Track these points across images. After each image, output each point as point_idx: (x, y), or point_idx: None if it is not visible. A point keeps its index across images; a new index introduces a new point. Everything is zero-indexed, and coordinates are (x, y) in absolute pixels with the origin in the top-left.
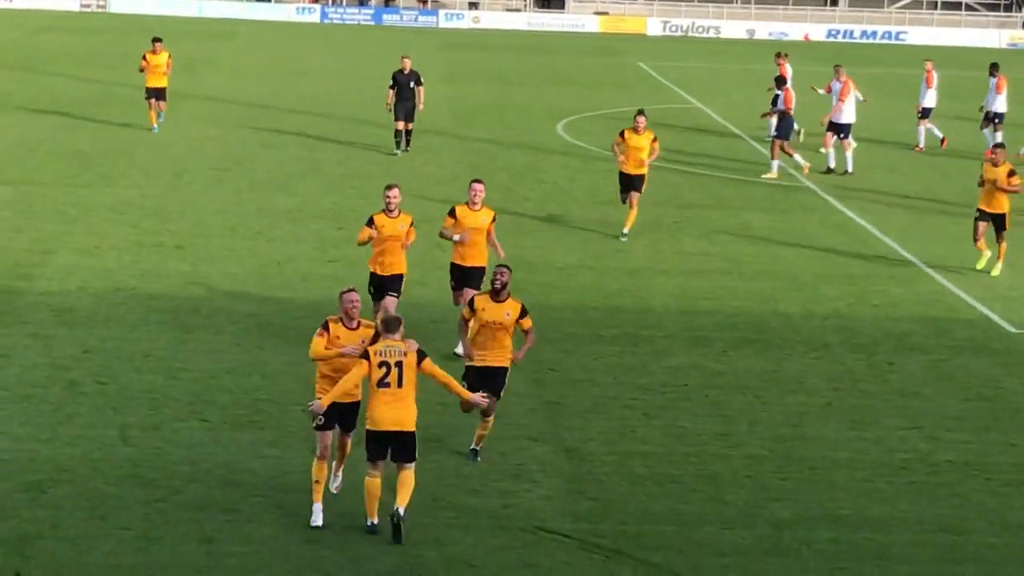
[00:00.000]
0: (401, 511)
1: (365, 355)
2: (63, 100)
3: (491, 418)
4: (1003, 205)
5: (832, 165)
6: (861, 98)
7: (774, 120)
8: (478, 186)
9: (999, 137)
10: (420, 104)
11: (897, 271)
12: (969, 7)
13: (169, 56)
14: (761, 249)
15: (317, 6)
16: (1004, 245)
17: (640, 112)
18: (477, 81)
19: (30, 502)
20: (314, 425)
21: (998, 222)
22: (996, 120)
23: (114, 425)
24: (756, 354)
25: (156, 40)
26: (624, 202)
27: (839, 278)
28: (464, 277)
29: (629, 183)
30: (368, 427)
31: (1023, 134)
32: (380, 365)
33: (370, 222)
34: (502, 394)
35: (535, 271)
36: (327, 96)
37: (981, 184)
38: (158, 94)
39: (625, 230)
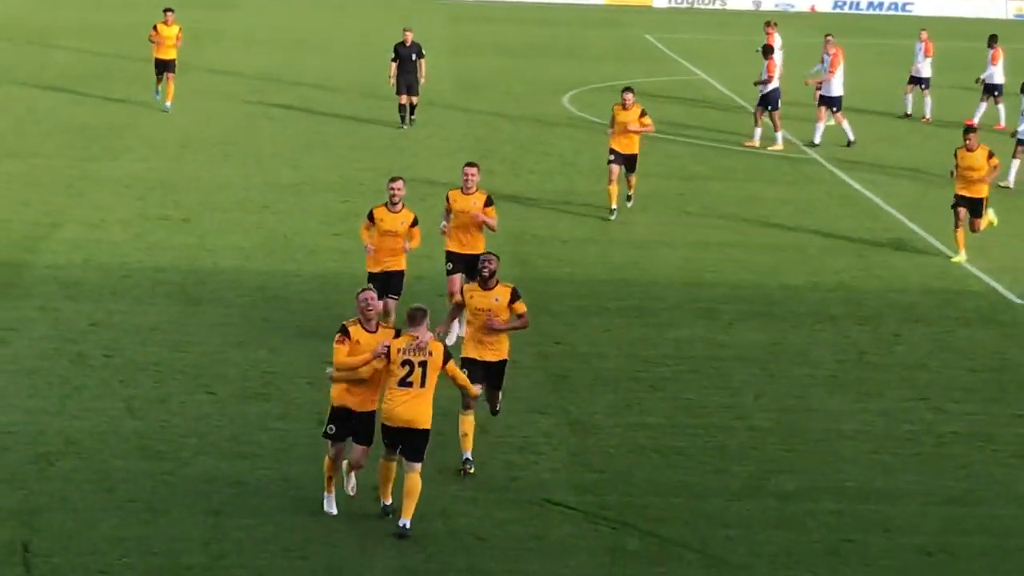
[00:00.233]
0: (407, 525)
1: (387, 351)
2: (69, 73)
3: (496, 414)
4: (982, 190)
5: (817, 140)
6: (817, 69)
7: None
8: (471, 170)
9: (1001, 112)
10: (422, 78)
11: (903, 243)
12: None
13: (180, 29)
14: (767, 221)
15: None
16: (977, 225)
17: (627, 89)
18: (482, 53)
19: (38, 474)
20: (324, 433)
21: (975, 207)
22: (996, 93)
23: (121, 398)
24: (762, 326)
25: (167, 10)
26: (612, 163)
27: (845, 250)
28: (464, 264)
29: (622, 161)
30: (382, 421)
31: None
32: (403, 364)
33: (370, 215)
34: (502, 391)
35: (540, 244)
36: (333, 68)
37: (954, 173)
38: (167, 67)
39: (629, 192)
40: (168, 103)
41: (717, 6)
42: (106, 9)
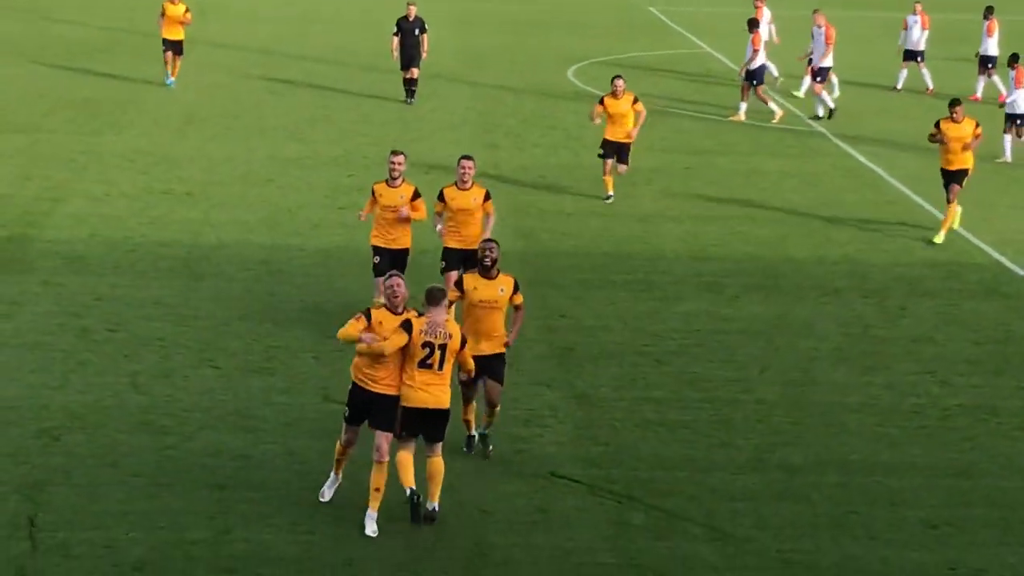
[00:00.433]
0: (436, 508)
1: (408, 328)
2: (72, 47)
3: (498, 408)
4: (966, 161)
5: (820, 113)
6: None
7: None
8: (467, 163)
9: (999, 84)
10: (424, 52)
11: (908, 216)
12: None
13: (187, 9)
14: (771, 194)
15: None
16: (953, 207)
17: (617, 76)
18: (487, 26)
19: (42, 449)
20: (345, 416)
21: (958, 178)
22: (990, 64)
23: (125, 372)
24: (767, 299)
25: None
26: (603, 158)
27: (849, 223)
28: (462, 260)
29: (614, 151)
30: (404, 404)
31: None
32: (424, 345)
33: (372, 192)
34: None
35: (545, 217)
36: (338, 42)
37: (934, 140)
38: (175, 47)
39: (610, 191)
40: (172, 79)
41: None
42: None
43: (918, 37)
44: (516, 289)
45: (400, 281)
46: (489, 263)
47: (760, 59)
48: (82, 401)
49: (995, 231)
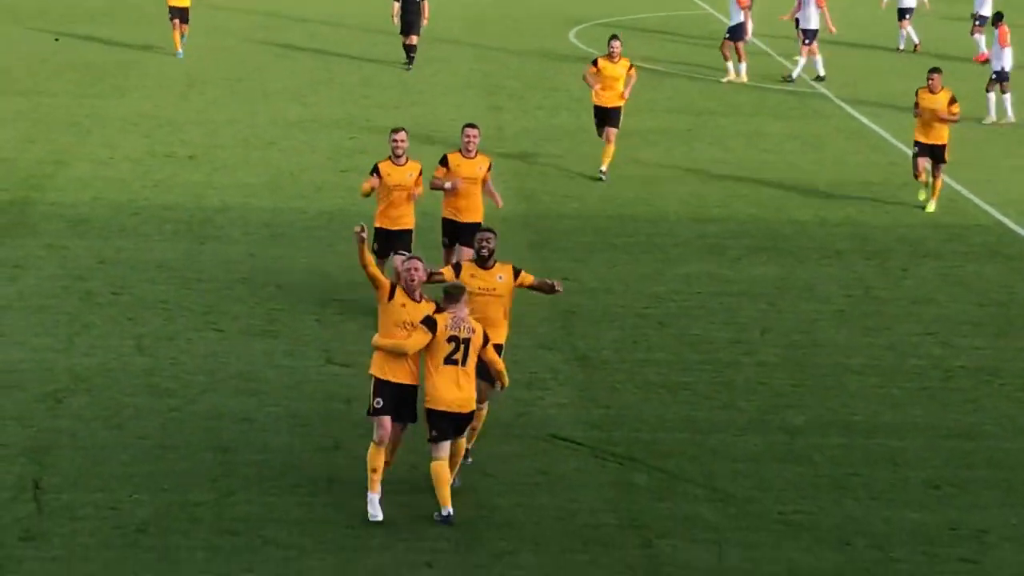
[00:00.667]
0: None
1: (432, 324)
2: (75, 11)
3: (485, 406)
4: (943, 135)
5: (822, 72)
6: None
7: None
8: (472, 131)
9: (980, 43)
10: (424, 19)
11: (910, 177)
12: None
13: None
14: (774, 156)
15: None
16: (940, 181)
17: (614, 37)
18: None
19: (47, 412)
20: (368, 412)
21: (937, 154)
22: (977, 22)
23: (130, 335)
24: (769, 261)
25: None
26: (600, 135)
27: (852, 185)
28: (459, 233)
29: (604, 116)
30: (432, 406)
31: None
32: (449, 340)
33: (374, 170)
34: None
35: (547, 180)
36: (340, 5)
37: (917, 114)
38: (181, 15)
39: (603, 167)
40: (180, 51)
41: None
42: None
43: None
44: (517, 274)
45: (420, 265)
46: (486, 254)
47: (741, 18)
48: (86, 364)
49: (998, 193)
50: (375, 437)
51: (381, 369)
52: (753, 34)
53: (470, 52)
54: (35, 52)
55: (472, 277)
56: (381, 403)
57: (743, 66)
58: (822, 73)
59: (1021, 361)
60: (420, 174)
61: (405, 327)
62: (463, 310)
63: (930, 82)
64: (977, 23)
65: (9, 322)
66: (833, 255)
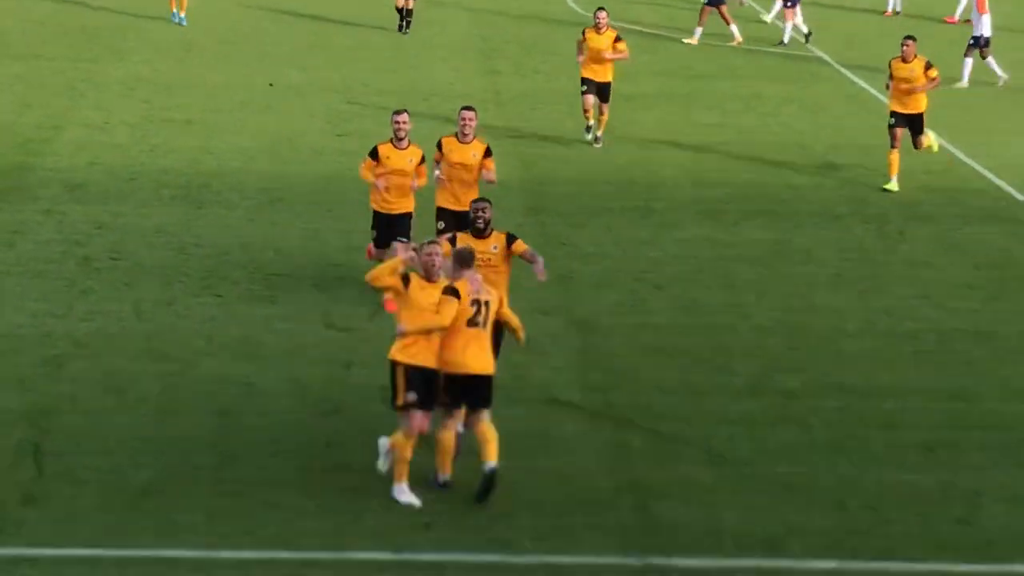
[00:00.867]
0: (494, 466)
1: (456, 292)
2: None
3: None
4: (920, 104)
5: (805, 29)
6: None
7: None
8: (468, 114)
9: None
10: None
11: (908, 141)
12: None
13: None
14: (772, 120)
15: None
16: (920, 142)
17: (600, 8)
18: None
19: (47, 377)
20: (395, 406)
21: (915, 124)
22: None
23: (128, 300)
24: (766, 225)
25: None
26: (584, 105)
27: (850, 148)
28: (457, 223)
29: (595, 91)
30: (454, 371)
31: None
32: (472, 303)
33: (374, 153)
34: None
35: (545, 145)
36: None
37: (889, 85)
38: None
39: (599, 134)
40: (182, 14)
41: None
42: None
43: None
44: (512, 240)
45: (439, 249)
46: (482, 224)
47: None
48: (86, 329)
49: (995, 156)
50: (406, 430)
51: (410, 354)
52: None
53: (466, 16)
54: (30, 15)
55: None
56: (415, 397)
57: (734, 28)
58: (786, 40)
59: (1016, 324)
60: (422, 162)
61: (430, 308)
62: (478, 274)
63: (904, 49)
64: None
65: (8, 287)
66: (830, 219)
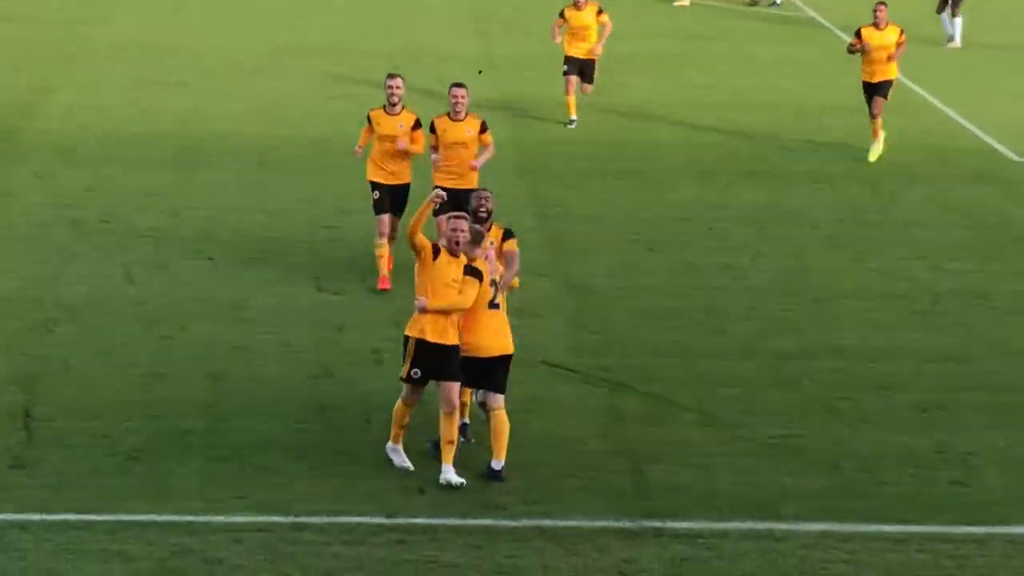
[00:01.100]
0: (500, 467)
1: (479, 274)
2: None
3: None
4: (889, 72)
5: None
6: None
7: None
8: (459, 91)
9: None
10: None
11: (902, 101)
12: None
13: None
14: (765, 81)
15: None
16: (880, 122)
17: None
18: None
19: (38, 341)
20: (402, 377)
21: (882, 90)
22: None
23: (119, 264)
24: (759, 186)
25: None
26: (566, 88)
27: (843, 109)
28: (456, 203)
29: (578, 70)
30: (472, 354)
31: None
32: (492, 284)
33: (367, 119)
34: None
35: (538, 107)
36: None
37: (853, 51)
38: None
39: (573, 116)
40: None
41: None
42: None
43: None
44: (508, 237)
45: (464, 224)
46: (484, 215)
47: None
48: (76, 293)
49: (988, 116)
50: (405, 398)
51: (422, 330)
52: None
53: None
54: None
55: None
56: (419, 374)
57: None
58: (778, 0)
59: (1010, 284)
60: (415, 127)
61: (452, 284)
62: (488, 252)
63: (878, 13)
64: None
65: None
66: (824, 180)
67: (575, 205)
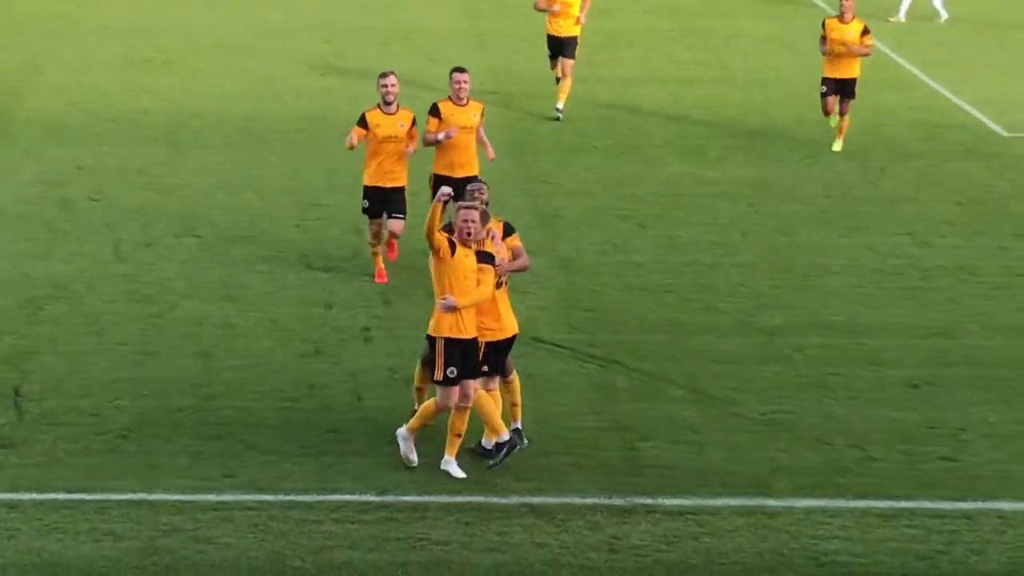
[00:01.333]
0: (491, 445)
1: (489, 257)
2: None
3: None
4: (853, 69)
5: None
6: None
7: None
8: (461, 76)
9: None
10: None
11: (890, 77)
12: None
13: None
14: (754, 57)
15: None
16: (847, 120)
17: None
18: None
19: (27, 319)
20: (436, 379)
21: (847, 89)
22: None
23: (108, 242)
24: (749, 162)
25: None
26: (553, 68)
27: None
28: (457, 191)
29: (558, 47)
30: (492, 338)
31: None
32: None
33: (361, 121)
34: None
35: (527, 82)
36: None
37: (824, 51)
38: None
39: (559, 105)
40: None
41: None
42: None
43: None
44: (509, 232)
45: (474, 214)
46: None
47: None
48: (66, 271)
49: (977, 92)
50: (440, 403)
51: (450, 328)
52: None
53: None
54: None
55: None
56: (455, 372)
57: None
58: None
59: (999, 259)
60: (413, 124)
61: (471, 275)
62: (492, 231)
63: (844, 3)
64: None
65: None
66: (813, 156)
67: (565, 181)
